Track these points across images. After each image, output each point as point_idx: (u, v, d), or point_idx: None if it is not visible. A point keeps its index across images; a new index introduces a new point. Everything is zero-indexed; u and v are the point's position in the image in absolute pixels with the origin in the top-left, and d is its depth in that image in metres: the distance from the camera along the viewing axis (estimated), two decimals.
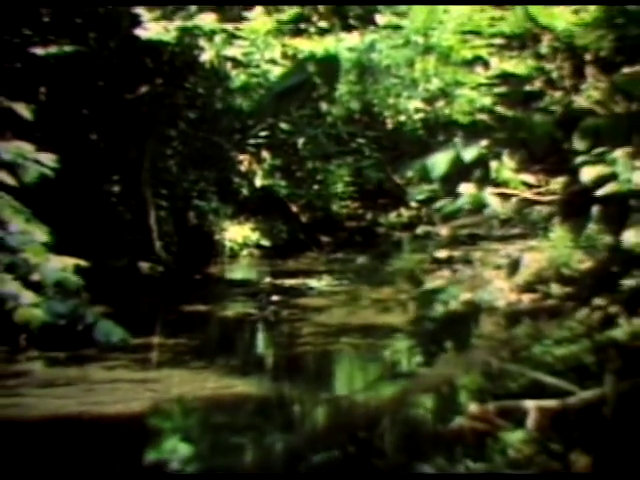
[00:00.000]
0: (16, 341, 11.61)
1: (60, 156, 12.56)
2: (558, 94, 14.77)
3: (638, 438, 6.81)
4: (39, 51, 17.12)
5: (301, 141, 24.19)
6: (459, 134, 20.85)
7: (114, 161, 19.14)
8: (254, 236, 22.22)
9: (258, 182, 23.88)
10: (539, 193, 12.36)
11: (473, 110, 21.33)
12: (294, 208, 24.87)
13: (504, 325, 9.90)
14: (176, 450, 8.63)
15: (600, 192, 9.67)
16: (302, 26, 19.78)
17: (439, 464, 7.36)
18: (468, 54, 20.01)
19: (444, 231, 18.87)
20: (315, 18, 20.28)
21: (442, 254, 16.49)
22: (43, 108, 14.71)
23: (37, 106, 14.11)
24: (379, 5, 16.62)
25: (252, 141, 23.73)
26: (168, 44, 17.88)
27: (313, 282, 18.45)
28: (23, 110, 13.10)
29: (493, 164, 11.65)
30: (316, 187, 25.28)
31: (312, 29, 19.95)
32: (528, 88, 16.69)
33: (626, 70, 10.14)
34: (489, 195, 10.37)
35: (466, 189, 9.82)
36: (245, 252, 21.88)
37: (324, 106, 22.96)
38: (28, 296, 11.28)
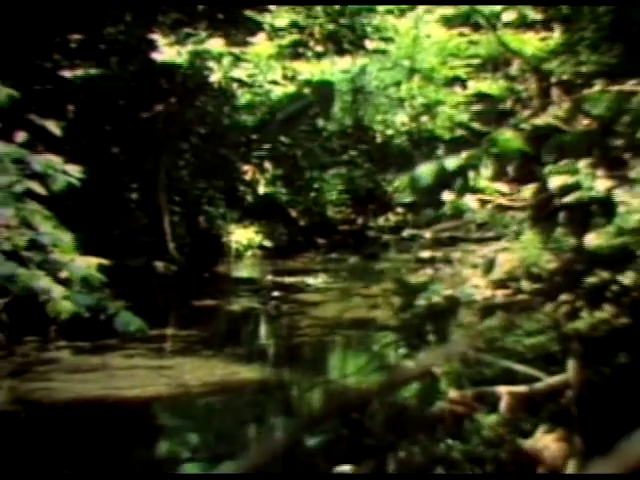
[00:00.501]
0: (46, 332, 11.62)
1: (85, 167, 12.57)
2: (527, 112, 14.81)
3: (599, 417, 6.84)
4: (67, 74, 17.15)
5: (300, 153, 24.19)
6: (441, 147, 20.90)
7: (133, 171, 19.14)
8: (257, 238, 22.20)
9: (261, 190, 23.89)
10: (511, 200, 12.38)
11: (453, 125, 21.39)
12: (293, 213, 24.87)
13: (480, 318, 9.88)
14: (186, 438, 8.66)
15: (566, 199, 9.70)
16: (300, 50, 19.83)
17: (422, 442, 7.38)
18: (448, 74, 20.07)
19: (427, 234, 18.83)
20: (312, 43, 20.33)
21: (425, 255, 16.45)
22: (71, 125, 14.70)
23: (66, 123, 14.13)
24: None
25: (256, 153, 23.73)
26: (181, 66, 17.93)
27: (310, 280, 18.44)
28: (53, 127, 13.05)
29: (471, 174, 11.64)
30: (313, 194, 25.28)
31: (309, 53, 20.01)
32: (501, 107, 16.67)
33: (586, 91, 10.16)
34: (468, 201, 10.40)
35: (448, 197, 9.84)
36: (249, 253, 21.85)
37: (320, 122, 22.99)
38: (58, 290, 11.28)
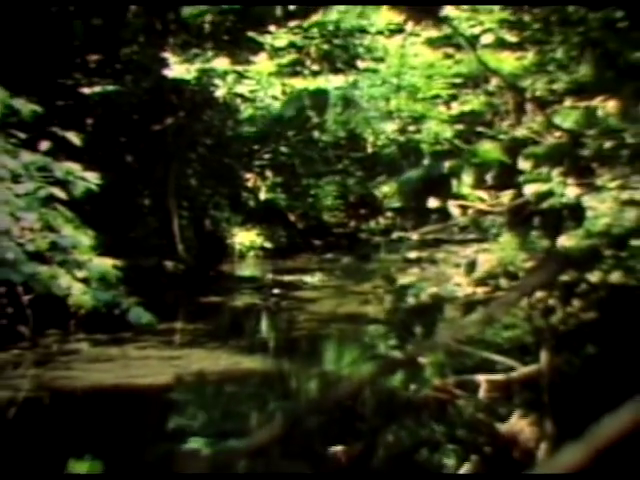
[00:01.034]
0: (67, 326, 11.63)
1: (103, 175, 12.61)
2: (505, 125, 14.86)
3: (569, 403, 6.89)
4: (86, 91, 17.16)
5: (297, 162, 24.19)
6: (427, 156, 20.90)
7: (145, 179, 19.15)
8: (259, 240, 22.20)
9: (262, 196, 23.89)
10: (491, 206, 12.40)
11: (437, 138, 21.37)
12: (292, 217, 24.88)
13: (462, 313, 9.92)
14: (195, 416, 8.67)
15: (539, 205, 9.74)
16: (298, 69, 19.81)
17: (409, 425, 7.42)
18: (433, 91, 20.09)
19: (414, 236, 18.83)
20: (308, 62, 20.31)
21: (412, 255, 16.47)
22: (90, 136, 14.74)
23: (85, 135, 14.14)
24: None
25: (257, 162, 23.74)
26: (189, 83, 17.94)
27: (307, 278, 18.43)
28: (74, 138, 13.08)
29: (454, 182, 11.66)
30: (310, 200, 25.28)
31: (306, 71, 20.00)
32: (481, 120, 16.66)
33: (557, 107, 10.22)
34: (451, 207, 10.45)
35: (433, 203, 9.90)
36: (251, 253, 21.85)
37: (316, 134, 23.01)
38: (78, 287, 11.30)
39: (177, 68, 17.55)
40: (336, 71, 20.16)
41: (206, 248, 20.17)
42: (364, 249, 23.00)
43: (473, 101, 19.64)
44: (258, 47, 18.73)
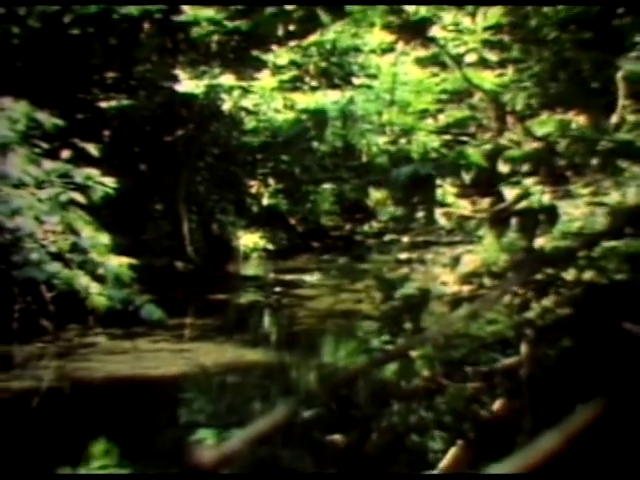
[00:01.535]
0: (86, 321, 11.63)
1: (119, 182, 12.63)
2: (487, 135, 14.89)
3: (547, 393, 6.89)
4: (104, 105, 17.18)
5: (298, 170, 24.18)
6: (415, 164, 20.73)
7: (157, 186, 19.16)
8: (262, 242, 22.19)
9: (265, 201, 23.87)
10: (473, 211, 12.42)
11: (425, 147, 21.37)
12: (292, 221, 24.86)
13: (449, 309, 9.88)
14: (203, 408, 8.68)
15: (518, 209, 9.73)
16: (298, 84, 19.83)
17: (400, 413, 7.41)
18: (421, 105, 20.11)
19: (405, 239, 18.85)
20: (307, 79, 20.32)
21: (403, 256, 16.50)
22: (106, 147, 14.76)
23: (102, 145, 14.18)
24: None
25: (260, 170, 23.71)
26: (198, 97, 17.94)
27: (306, 277, 18.44)
28: (92, 148, 13.15)
29: (440, 190, 11.64)
30: (309, 205, 25.26)
31: (305, 87, 20.01)
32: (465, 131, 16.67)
33: (534, 120, 10.22)
34: (438, 213, 10.44)
35: (422, 211, 9.89)
36: (255, 254, 21.85)
37: (315, 144, 23.01)
38: (95, 287, 11.32)
39: (187, 84, 17.57)
40: (333, 87, 20.18)
41: (213, 249, 20.17)
42: (359, 250, 22.99)
43: (458, 114, 19.69)
44: (261, 65, 18.76)
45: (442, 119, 20.30)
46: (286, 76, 19.09)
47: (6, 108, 11.69)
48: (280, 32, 19.55)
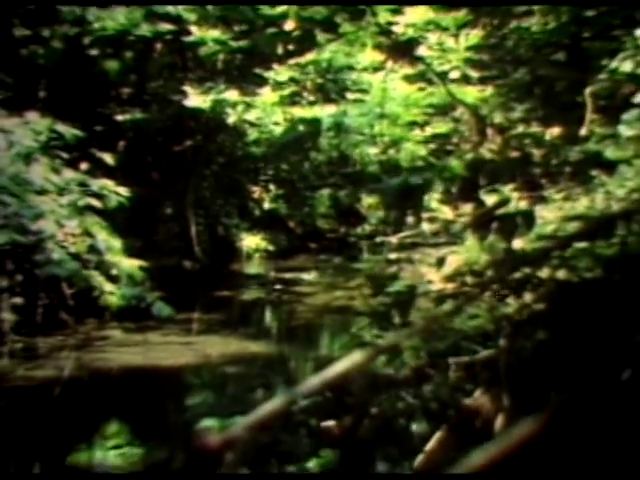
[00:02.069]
0: (102, 315, 11.62)
1: (132, 188, 12.63)
2: (468, 146, 14.91)
3: (523, 382, 6.88)
4: (119, 118, 17.17)
5: (296, 177, 24.20)
6: (404, 172, 20.83)
7: (168, 192, 19.16)
8: (263, 243, 22.17)
9: (266, 206, 23.88)
10: (457, 215, 12.41)
11: (413, 156, 21.38)
12: (291, 224, 24.86)
13: (434, 305, 9.86)
14: (209, 396, 8.67)
15: (497, 213, 9.73)
16: (296, 99, 19.81)
17: (390, 400, 7.42)
18: (409, 118, 20.10)
19: (394, 240, 18.84)
20: (305, 94, 20.31)
21: (392, 256, 16.47)
22: (121, 157, 14.77)
23: (118, 155, 14.18)
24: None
25: (262, 177, 23.73)
26: (205, 111, 17.94)
27: (304, 275, 18.43)
28: (108, 158, 13.16)
29: (427, 196, 11.60)
30: (307, 209, 25.27)
31: (303, 101, 20.00)
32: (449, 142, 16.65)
33: (511, 132, 10.27)
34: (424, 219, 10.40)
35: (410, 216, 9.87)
36: (257, 254, 21.84)
37: (312, 154, 23.01)
38: (109, 286, 11.32)
39: (195, 99, 17.56)
40: (329, 101, 20.18)
41: (218, 250, 20.17)
42: (352, 251, 23.00)
43: (443, 126, 19.69)
44: (263, 81, 18.75)
45: (428, 130, 20.29)
46: (286, 91, 19.09)
47: (30, 121, 11.70)
48: (280, 51, 19.59)
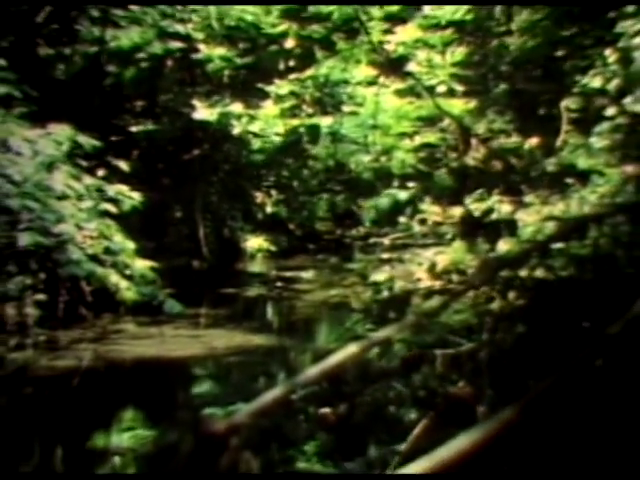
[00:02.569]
0: (118, 310, 11.63)
1: (145, 194, 12.65)
2: (454, 155, 14.94)
3: (504, 372, 6.91)
4: (133, 129, 17.19)
5: (296, 184, 24.19)
6: (395, 180, 20.85)
7: (177, 197, 19.16)
8: (265, 244, 22.13)
9: (268, 209, 23.86)
10: (445, 218, 12.41)
11: (403, 164, 21.39)
12: (291, 226, 24.84)
13: (423, 301, 9.91)
14: (215, 384, 8.67)
15: (482, 218, 9.77)
16: (296, 111, 19.83)
17: (382, 389, 7.43)
18: (400, 129, 20.12)
19: (386, 241, 18.85)
20: (304, 106, 20.32)
21: (385, 256, 16.48)
22: (135, 164, 14.79)
23: (132, 163, 14.18)
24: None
25: (265, 183, 23.72)
26: (212, 123, 17.96)
27: (303, 274, 18.41)
28: (123, 166, 13.17)
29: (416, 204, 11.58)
30: (305, 213, 25.25)
31: (303, 114, 20.02)
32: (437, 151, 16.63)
33: (495, 143, 10.29)
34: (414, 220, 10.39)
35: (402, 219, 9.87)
36: (260, 254, 21.82)
37: (311, 162, 23.03)
38: (124, 284, 11.32)
39: (202, 111, 17.59)
40: (326, 113, 20.20)
41: (225, 250, 20.16)
42: (347, 252, 22.98)
43: (431, 136, 19.71)
44: (265, 95, 18.79)
45: (417, 140, 20.30)
46: (286, 104, 19.13)
47: (53, 132, 11.74)
48: (281, 67, 19.63)
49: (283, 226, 24.37)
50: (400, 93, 18.89)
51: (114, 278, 11.16)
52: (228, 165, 21.27)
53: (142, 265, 11.70)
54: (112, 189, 12.12)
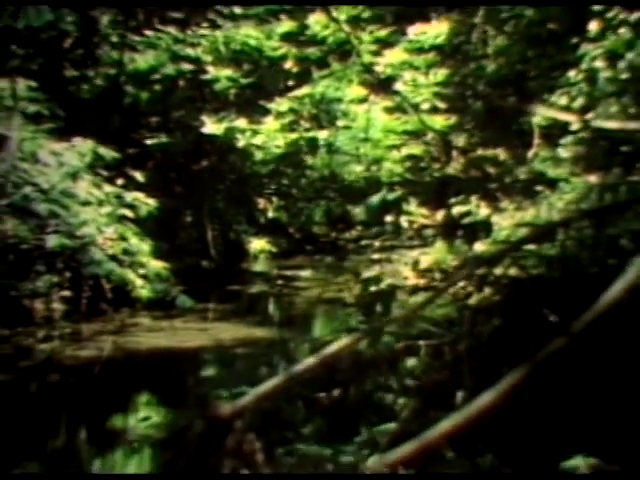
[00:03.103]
0: (134, 305, 11.64)
1: (159, 201, 12.65)
2: (437, 165, 14.94)
3: (482, 360, 6.92)
4: (149, 142, 17.19)
5: (295, 191, 24.19)
6: (384, 187, 20.85)
7: (188, 203, 19.16)
8: (267, 246, 22.18)
9: (270, 215, 23.89)
10: (429, 221, 12.40)
11: (392, 173, 21.38)
12: (291, 230, 24.89)
13: (409, 297, 9.89)
14: (221, 372, 8.68)
15: (462, 221, 9.75)
16: (295, 126, 19.81)
17: (372, 377, 7.44)
18: (388, 142, 20.10)
19: (376, 243, 18.83)
20: (302, 122, 20.29)
21: (375, 256, 16.48)
22: (150, 174, 14.79)
23: (147, 173, 14.17)
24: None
25: (266, 191, 23.73)
26: (219, 136, 17.95)
27: (302, 273, 18.46)
28: (139, 175, 13.18)
29: (403, 205, 11.58)
30: (304, 218, 25.30)
31: (301, 128, 20.00)
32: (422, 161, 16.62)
33: (473, 154, 10.30)
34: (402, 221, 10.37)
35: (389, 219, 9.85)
36: (262, 255, 21.85)
37: (308, 172, 23.01)
38: (139, 282, 11.33)
39: (211, 126, 17.57)
40: (322, 128, 20.19)
41: (230, 251, 20.18)
42: (342, 252, 23.00)
43: (416, 148, 19.72)
44: (267, 111, 18.77)
45: (404, 151, 20.29)
46: (286, 120, 19.11)
47: (77, 145, 11.79)
48: (281, 86, 19.63)
49: (283, 229, 24.41)
50: (388, 110, 18.87)
51: (131, 276, 11.17)
52: (233, 175, 21.27)
53: (156, 264, 11.71)
54: (130, 196, 12.13)
